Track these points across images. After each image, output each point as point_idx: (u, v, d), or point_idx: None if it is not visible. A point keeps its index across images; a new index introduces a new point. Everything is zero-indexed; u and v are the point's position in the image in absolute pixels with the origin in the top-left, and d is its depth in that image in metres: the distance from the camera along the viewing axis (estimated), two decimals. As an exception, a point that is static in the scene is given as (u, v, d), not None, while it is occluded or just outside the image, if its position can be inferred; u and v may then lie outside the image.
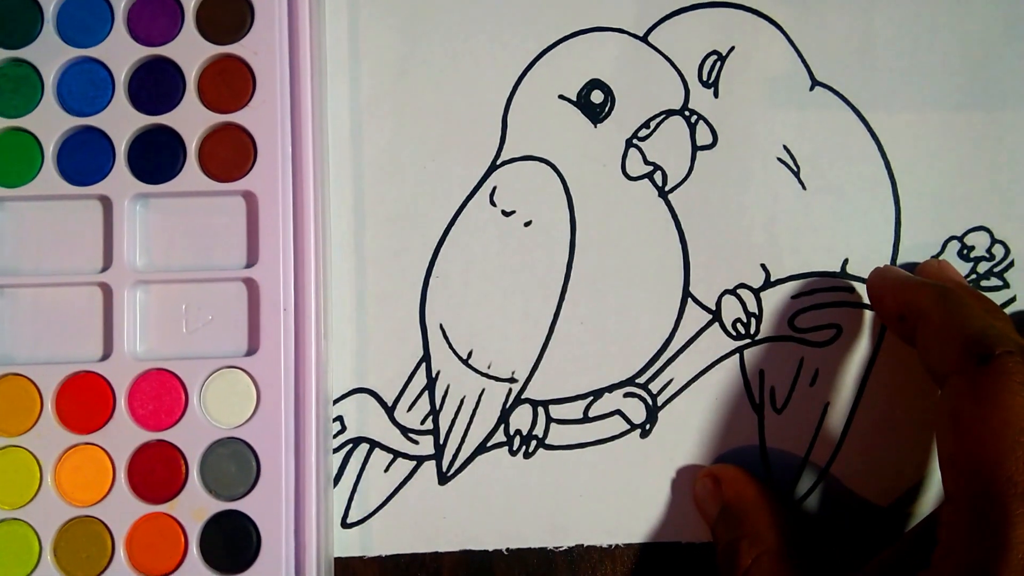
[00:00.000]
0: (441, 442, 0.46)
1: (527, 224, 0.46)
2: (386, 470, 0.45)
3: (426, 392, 0.46)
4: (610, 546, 0.45)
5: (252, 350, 0.44)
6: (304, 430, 0.43)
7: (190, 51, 0.44)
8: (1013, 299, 0.47)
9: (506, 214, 0.46)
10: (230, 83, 0.44)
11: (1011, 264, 0.47)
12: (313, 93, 0.44)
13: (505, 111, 0.47)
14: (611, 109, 0.47)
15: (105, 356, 0.44)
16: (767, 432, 0.46)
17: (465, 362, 0.46)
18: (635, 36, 0.47)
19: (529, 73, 0.47)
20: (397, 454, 0.46)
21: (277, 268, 0.43)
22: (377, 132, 0.47)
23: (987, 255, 0.47)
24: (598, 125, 0.47)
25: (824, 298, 0.46)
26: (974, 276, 0.47)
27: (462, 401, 0.46)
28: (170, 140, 0.44)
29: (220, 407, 0.43)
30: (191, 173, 0.44)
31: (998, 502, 0.34)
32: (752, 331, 0.46)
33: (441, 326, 0.46)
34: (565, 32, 0.47)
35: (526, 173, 0.47)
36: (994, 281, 0.47)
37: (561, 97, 0.47)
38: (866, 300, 0.46)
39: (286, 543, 0.42)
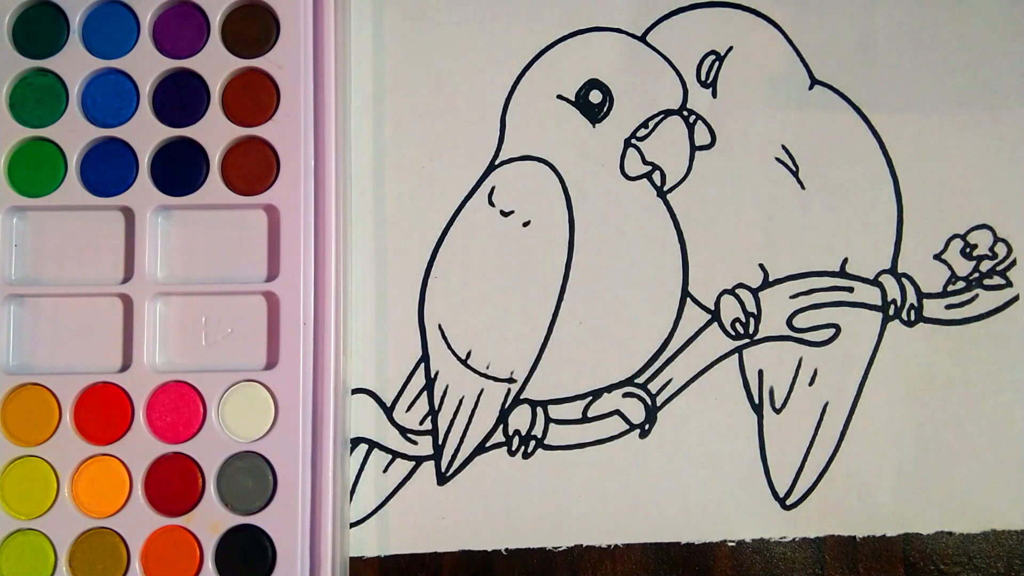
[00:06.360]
0: (440, 442, 0.46)
1: (526, 224, 0.46)
2: (385, 470, 0.46)
3: (425, 392, 0.46)
4: (610, 546, 0.45)
5: (271, 364, 0.44)
6: (322, 445, 0.43)
7: (215, 64, 0.45)
8: (1016, 298, 0.47)
9: (505, 214, 0.46)
10: (254, 97, 0.44)
11: (1013, 263, 0.47)
12: (337, 108, 0.44)
13: (503, 111, 0.47)
14: (609, 109, 0.47)
15: (124, 367, 0.44)
16: (766, 432, 0.46)
17: (464, 362, 0.46)
18: (634, 36, 0.47)
19: (528, 73, 0.47)
20: (396, 454, 0.46)
21: (298, 282, 0.44)
22: (375, 132, 0.47)
23: (990, 253, 0.47)
24: (596, 125, 0.47)
25: (823, 297, 0.46)
26: (977, 275, 0.46)
27: (461, 401, 0.46)
28: (193, 153, 0.44)
29: (238, 420, 0.43)
30: (214, 186, 0.44)
31: None
32: (751, 331, 0.46)
33: (440, 326, 0.46)
34: (564, 32, 0.47)
35: (525, 173, 0.47)
36: (997, 280, 0.47)
37: (560, 97, 0.47)
38: (865, 299, 0.46)
39: (301, 558, 0.43)
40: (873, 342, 0.46)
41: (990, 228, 0.47)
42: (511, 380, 0.46)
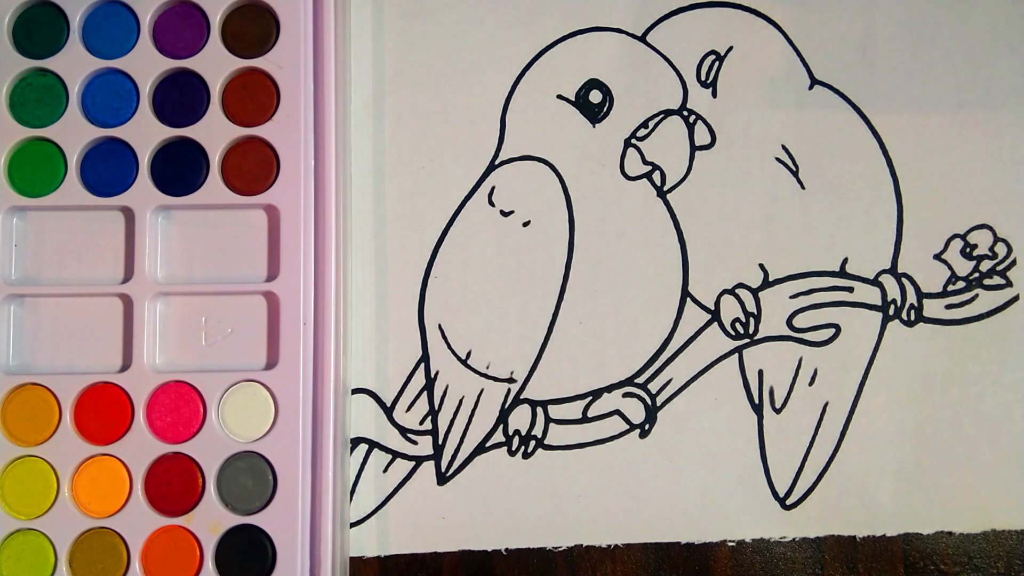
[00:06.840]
0: (440, 442, 0.46)
1: (526, 224, 0.46)
2: (385, 470, 0.46)
3: (425, 392, 0.46)
4: (609, 546, 0.45)
5: (271, 364, 0.44)
6: (322, 445, 0.43)
7: (215, 64, 0.45)
8: (1016, 298, 0.47)
9: (505, 214, 0.46)
10: (254, 96, 0.44)
11: (1013, 263, 0.47)
12: (337, 107, 0.44)
13: (503, 111, 0.47)
14: (609, 109, 0.47)
15: (124, 367, 0.44)
16: (766, 432, 0.46)
17: (464, 362, 0.46)
18: (634, 36, 0.47)
19: (528, 73, 0.47)
20: (396, 454, 0.46)
21: (298, 282, 0.44)
22: (375, 132, 0.47)
23: (990, 253, 0.47)
24: (596, 125, 0.47)
25: (823, 297, 0.46)
26: (977, 275, 0.46)
27: (461, 401, 0.46)
28: (193, 153, 0.44)
29: (238, 420, 0.43)
30: (214, 186, 0.44)
31: None
32: (751, 331, 0.46)
33: (440, 326, 0.46)
34: (564, 32, 0.47)
35: (525, 173, 0.47)
36: (997, 280, 0.47)
37: (560, 97, 0.47)
38: (865, 299, 0.46)
39: (301, 558, 0.43)
40: (873, 342, 0.46)
41: (990, 228, 0.47)
42: (511, 380, 0.46)
